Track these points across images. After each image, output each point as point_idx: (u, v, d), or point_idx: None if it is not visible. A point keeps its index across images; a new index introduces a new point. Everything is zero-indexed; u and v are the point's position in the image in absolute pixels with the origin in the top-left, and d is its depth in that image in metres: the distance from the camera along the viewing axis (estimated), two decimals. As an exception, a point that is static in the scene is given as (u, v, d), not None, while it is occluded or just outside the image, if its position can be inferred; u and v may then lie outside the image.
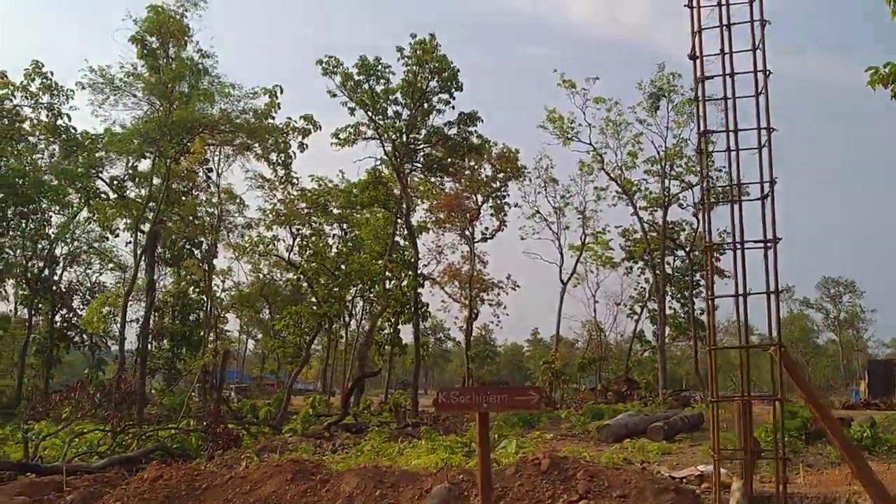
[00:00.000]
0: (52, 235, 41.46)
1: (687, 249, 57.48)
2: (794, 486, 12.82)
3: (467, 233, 53.57)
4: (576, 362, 60.64)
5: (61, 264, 45.07)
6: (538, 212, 63.53)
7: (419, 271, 49.36)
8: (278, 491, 10.77)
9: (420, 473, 11.25)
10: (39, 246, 42.23)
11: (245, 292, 62.12)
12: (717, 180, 52.63)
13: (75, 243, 45.34)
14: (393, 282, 40.13)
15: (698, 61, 10.24)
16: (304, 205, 39.98)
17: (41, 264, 42.92)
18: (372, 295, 46.35)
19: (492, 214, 53.95)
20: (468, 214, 52.49)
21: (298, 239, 41.04)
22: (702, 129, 10.38)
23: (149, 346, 37.00)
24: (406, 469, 12.06)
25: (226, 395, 40.17)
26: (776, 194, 9.56)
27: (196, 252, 39.60)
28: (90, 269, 48.22)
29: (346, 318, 56.98)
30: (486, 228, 54.20)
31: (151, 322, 36.50)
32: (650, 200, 54.26)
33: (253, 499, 10.69)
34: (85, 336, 43.50)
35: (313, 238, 41.13)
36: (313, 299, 38.54)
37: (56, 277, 44.72)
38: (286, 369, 62.38)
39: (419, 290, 41.53)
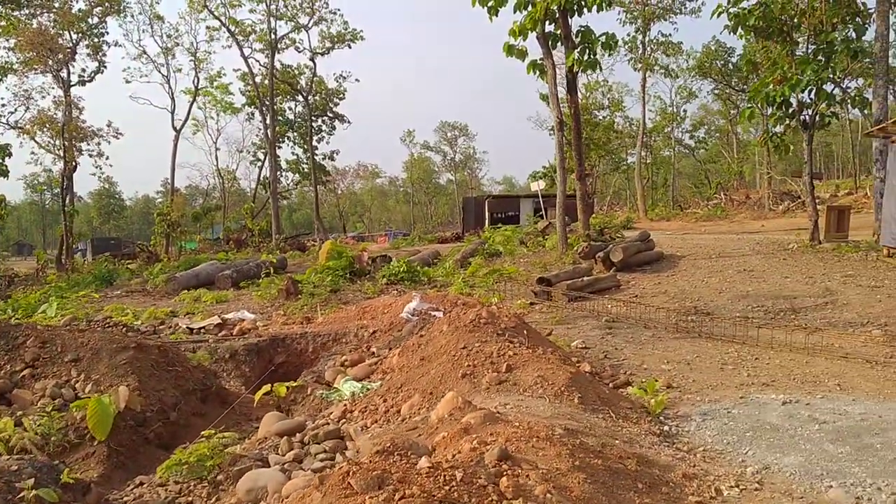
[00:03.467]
0: None
1: (305, 94, 56.83)
2: (312, 326, 12.92)
3: (63, 75, 47.45)
4: (198, 212, 58.41)
5: None
6: (144, 52, 58.40)
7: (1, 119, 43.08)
8: None
9: None
10: None
11: None
12: (331, 23, 52.29)
13: None
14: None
15: None
16: None
17: None
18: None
19: (89, 54, 48.36)
20: (60, 55, 46.24)
21: None
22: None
23: None
24: None
25: None
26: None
27: None
28: None
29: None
30: (84, 70, 48.58)
31: None
32: (265, 43, 52.17)
33: None
34: None
35: None
36: None
37: None
38: None
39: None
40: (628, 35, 54.69)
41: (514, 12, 20.47)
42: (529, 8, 20.23)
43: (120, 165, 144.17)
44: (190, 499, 6.07)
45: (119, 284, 23.70)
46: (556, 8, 19.87)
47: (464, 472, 3.86)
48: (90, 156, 48.23)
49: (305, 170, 60.86)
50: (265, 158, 60.13)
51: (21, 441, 6.64)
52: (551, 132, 46.26)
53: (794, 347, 9.86)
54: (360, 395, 7.42)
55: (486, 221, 46.07)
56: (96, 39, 48.84)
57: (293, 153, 62.20)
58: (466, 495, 3.72)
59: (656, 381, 7.80)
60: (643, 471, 4.82)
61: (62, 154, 45.31)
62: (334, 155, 63.88)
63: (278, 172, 60.40)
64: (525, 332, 8.03)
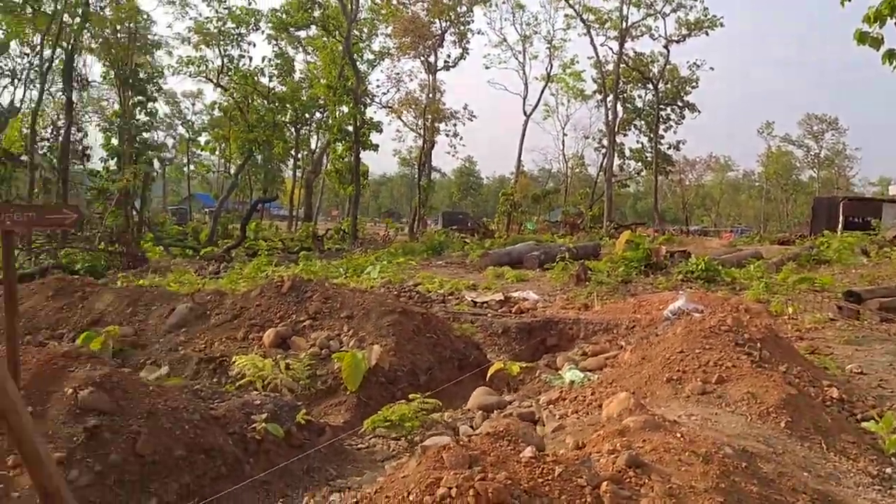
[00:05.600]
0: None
1: (656, 83, 55.92)
2: (587, 314, 13.04)
3: (430, 60, 52.12)
4: (537, 194, 60.70)
5: (1, 82, 44.16)
6: (504, 40, 61.61)
7: (375, 99, 48.48)
8: (36, 307, 10.88)
9: (177, 294, 11.34)
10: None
11: (216, 116, 61.39)
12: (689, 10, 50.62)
13: (17, 61, 44.15)
14: (332, 108, 39.29)
15: None
16: (231, 24, 38.43)
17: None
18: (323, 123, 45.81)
19: (454, 42, 52.40)
20: (430, 41, 50.79)
21: (226, 60, 39.70)
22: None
23: (80, 166, 36.96)
24: (173, 289, 12.20)
25: (161, 218, 40.59)
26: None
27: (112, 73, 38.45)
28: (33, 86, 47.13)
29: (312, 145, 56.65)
30: (448, 56, 52.80)
31: (83, 143, 36.27)
32: (617, 30, 52.25)
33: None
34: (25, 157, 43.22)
35: (242, 60, 39.86)
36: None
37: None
38: (257, 195, 62.67)
39: (367, 118, 40.97)
40: None
41: (870, -3, 18.27)
42: (888, -9, 17.89)
43: (476, 145, 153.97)
44: (395, 453, 6.72)
45: (445, 256, 25.72)
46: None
47: (564, 469, 3.83)
48: (446, 135, 52.31)
49: (649, 158, 60.04)
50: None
51: (275, 381, 7.73)
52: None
53: None
54: (578, 384, 7.46)
55: (840, 225, 41.76)
56: (462, 27, 52.57)
57: (638, 141, 61.69)
58: (557, 491, 3.71)
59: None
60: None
61: (422, 133, 49.88)
62: (680, 145, 62.18)
63: (621, 160, 60.44)
64: (773, 345, 7.42)
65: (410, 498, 3.57)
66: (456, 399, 8.72)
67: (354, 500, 3.80)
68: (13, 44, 38.11)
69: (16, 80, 45.87)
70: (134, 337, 9.79)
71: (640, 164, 62.32)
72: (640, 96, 60.07)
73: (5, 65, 44.52)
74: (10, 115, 43.61)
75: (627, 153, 61.40)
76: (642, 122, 60.41)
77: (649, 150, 60.42)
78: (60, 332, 10.19)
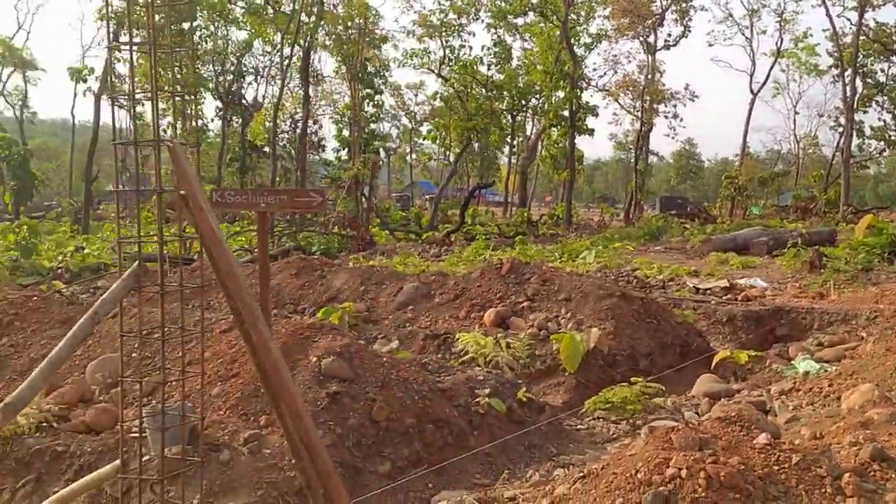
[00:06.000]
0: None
1: (902, 54, 50.62)
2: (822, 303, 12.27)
3: (650, 40, 50.61)
4: (763, 176, 57.11)
5: (247, 79, 48.46)
6: (730, 15, 58.31)
7: (592, 83, 47.86)
8: (281, 283, 11.91)
9: (406, 274, 11.92)
10: (228, 61, 45.60)
11: (437, 106, 63.55)
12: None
13: (259, 59, 48.26)
14: (547, 94, 39.34)
15: None
16: (453, 15, 39.42)
17: (230, 78, 46.39)
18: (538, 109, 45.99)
19: (675, 20, 50.43)
20: (650, 21, 49.31)
21: (448, 51, 40.80)
22: None
23: (315, 156, 39.71)
24: (400, 270, 12.81)
25: (387, 204, 42.71)
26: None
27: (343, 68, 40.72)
28: (274, 83, 51.23)
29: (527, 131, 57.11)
30: (669, 35, 50.91)
31: (318, 134, 39.00)
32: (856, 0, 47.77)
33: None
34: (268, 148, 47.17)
35: (462, 50, 40.76)
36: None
37: (244, 91, 48.21)
38: (474, 181, 64.29)
39: (583, 102, 40.69)
40: None
41: None
42: None
43: (697, 127, 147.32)
44: (616, 435, 6.70)
45: (663, 241, 25.01)
46: None
47: (802, 457, 3.67)
48: (665, 117, 50.58)
49: (892, 137, 54.57)
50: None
51: (496, 358, 7.96)
52: None
53: None
54: (813, 375, 7.03)
55: None
56: (684, 4, 50.40)
57: (880, 119, 56.17)
58: (794, 480, 3.56)
59: None
60: None
61: (639, 115, 48.63)
62: (934, 121, 55.84)
63: (861, 140, 55.41)
64: None
65: (639, 476, 3.58)
66: (677, 386, 8.52)
67: (581, 474, 3.86)
68: (256, 43, 41.69)
69: (258, 77, 50.27)
70: (366, 313, 10.47)
71: (882, 143, 56.72)
72: (882, 70, 54.61)
73: (250, 63, 48.90)
74: (254, 111, 47.83)
75: (868, 132, 56.09)
76: (885, 98, 54.89)
77: (893, 128, 54.84)
78: (303, 307, 11.12)
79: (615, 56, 51.25)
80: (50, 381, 5.83)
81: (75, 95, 70.89)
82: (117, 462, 3.48)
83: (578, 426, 7.47)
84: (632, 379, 6.98)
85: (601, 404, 6.53)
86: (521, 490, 4.55)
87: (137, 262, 3.26)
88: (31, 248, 20.04)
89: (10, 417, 3.07)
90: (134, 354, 7.05)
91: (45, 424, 5.79)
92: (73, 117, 58.10)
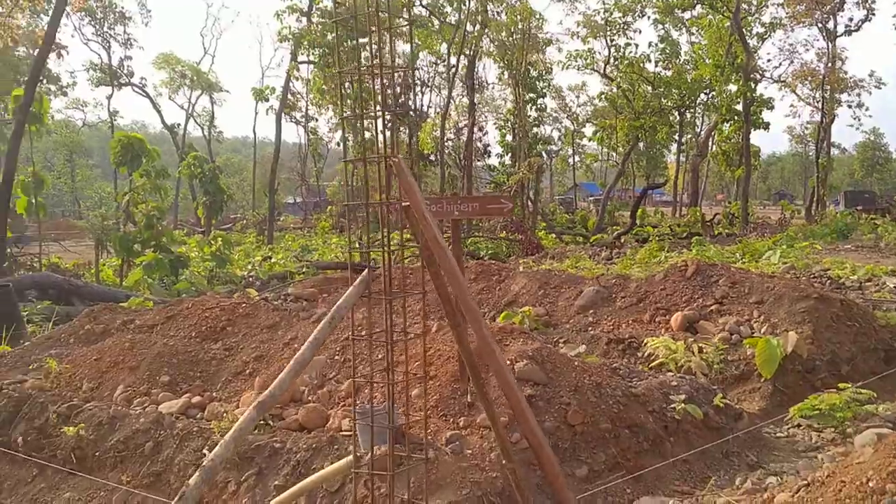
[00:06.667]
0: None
1: None
2: None
3: (829, 26, 47.66)
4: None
5: (413, 90, 49.81)
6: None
7: (766, 74, 45.65)
8: (461, 288, 12.16)
9: (582, 277, 11.86)
10: (397, 74, 47.03)
11: (601, 107, 62.70)
12: None
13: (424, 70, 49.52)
14: (719, 88, 37.88)
15: None
16: (618, 13, 38.74)
17: (397, 90, 47.92)
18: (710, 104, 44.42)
19: (857, 3, 47.16)
20: (828, 6, 46.40)
21: (613, 50, 40.11)
22: None
23: (480, 162, 40.19)
24: (575, 273, 12.72)
25: (551, 207, 42.56)
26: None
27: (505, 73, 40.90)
28: (439, 92, 52.38)
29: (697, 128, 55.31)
30: (850, 20, 47.68)
31: (482, 141, 39.49)
32: None
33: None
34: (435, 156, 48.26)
35: (628, 48, 39.93)
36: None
37: (410, 102, 49.58)
38: (640, 181, 63.00)
39: (758, 94, 38.85)
40: None
41: None
42: None
43: (885, 116, 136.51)
44: (819, 443, 6.39)
45: (853, 239, 23.47)
46: None
47: None
48: (848, 107, 47.44)
49: None
50: None
51: (688, 363, 7.77)
52: None
53: None
54: None
55: None
56: (868, -15, 47.14)
57: None
58: None
59: None
60: None
61: (820, 106, 45.84)
62: None
63: None
64: None
65: (870, 484, 3.43)
66: (882, 393, 7.97)
67: (805, 482, 3.74)
68: (422, 54, 42.80)
69: (424, 88, 51.60)
70: (546, 317, 10.51)
71: None
72: None
73: (417, 74, 50.32)
74: (422, 120, 49.12)
75: None
76: None
77: None
78: (483, 311, 11.31)
79: (791, 45, 48.80)
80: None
81: (256, 114, 75.83)
82: (350, 458, 3.73)
83: (777, 434, 7.19)
84: (840, 385, 6.61)
85: (808, 411, 6.24)
86: (734, 497, 4.44)
87: (367, 269, 3.49)
88: (225, 259, 21.60)
89: (262, 414, 3.37)
90: (336, 357, 7.49)
91: (262, 422, 6.25)
92: (255, 134, 61.95)
